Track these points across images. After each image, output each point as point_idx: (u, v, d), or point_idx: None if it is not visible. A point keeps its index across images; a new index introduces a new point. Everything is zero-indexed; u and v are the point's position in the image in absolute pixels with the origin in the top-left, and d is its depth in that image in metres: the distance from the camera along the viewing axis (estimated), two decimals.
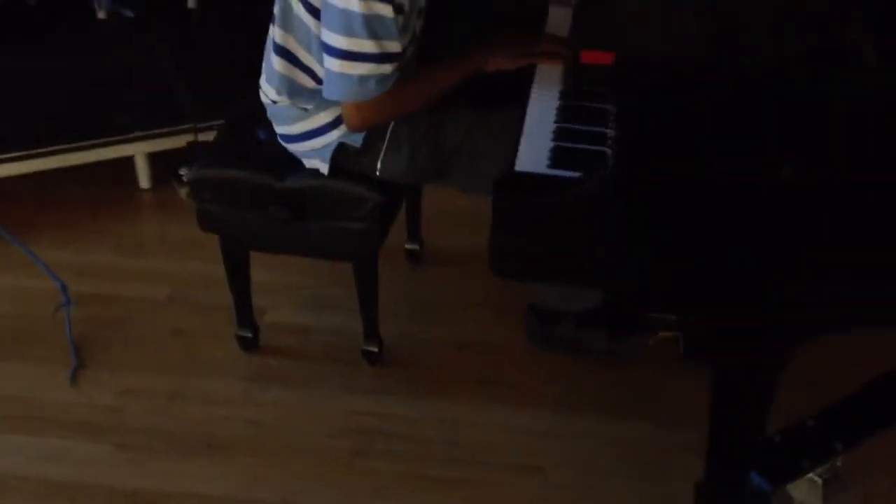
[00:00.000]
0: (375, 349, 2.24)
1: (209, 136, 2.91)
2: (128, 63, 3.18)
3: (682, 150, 1.41)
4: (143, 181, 2.97)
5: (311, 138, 2.00)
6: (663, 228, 1.38)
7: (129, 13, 3.05)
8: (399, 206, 2.23)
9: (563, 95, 1.79)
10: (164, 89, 3.00)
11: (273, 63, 1.96)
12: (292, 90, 1.96)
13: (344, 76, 1.77)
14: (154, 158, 2.94)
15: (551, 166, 1.58)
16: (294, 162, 2.06)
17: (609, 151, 1.59)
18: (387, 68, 1.77)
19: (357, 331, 2.23)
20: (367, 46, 1.74)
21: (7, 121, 2.81)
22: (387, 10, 1.73)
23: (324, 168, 2.02)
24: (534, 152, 1.62)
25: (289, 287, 2.50)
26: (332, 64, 1.78)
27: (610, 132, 1.65)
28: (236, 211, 2.08)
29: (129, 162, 2.93)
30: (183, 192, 2.91)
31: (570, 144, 1.63)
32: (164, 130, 2.88)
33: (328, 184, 2.02)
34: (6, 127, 2.80)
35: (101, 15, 3.51)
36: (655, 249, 1.40)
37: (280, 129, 2.05)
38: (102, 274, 2.59)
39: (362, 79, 1.77)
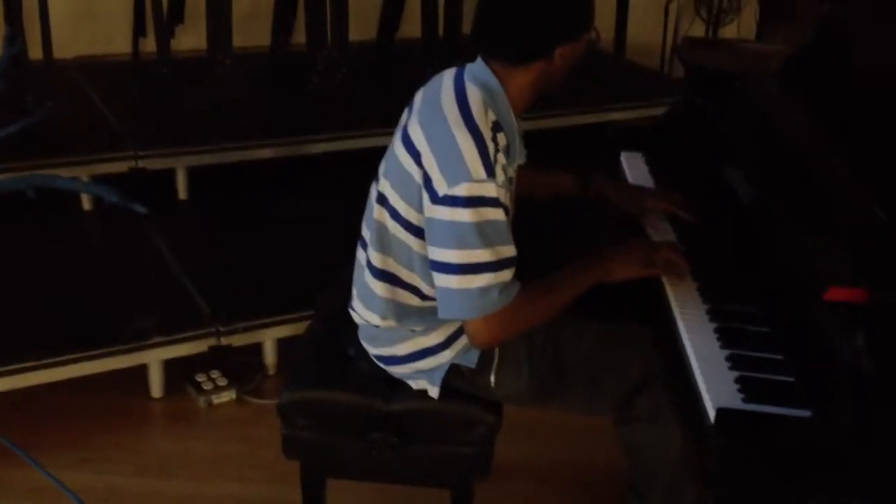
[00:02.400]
0: None
1: (231, 340, 2.74)
2: (131, 260, 3.00)
3: None
4: (156, 390, 2.71)
5: (419, 359, 1.87)
6: None
7: (140, 209, 2.88)
8: None
9: (714, 316, 1.72)
10: (178, 290, 2.82)
11: (373, 288, 1.84)
12: (399, 313, 1.84)
13: (464, 291, 1.67)
14: (166, 365, 2.71)
15: (746, 400, 1.50)
16: (395, 382, 1.91)
17: (793, 381, 1.53)
18: (506, 275, 1.68)
19: None
20: (483, 256, 1.65)
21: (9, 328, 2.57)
22: (498, 214, 1.66)
23: (433, 391, 1.87)
24: (718, 384, 1.54)
25: None
26: (449, 281, 1.68)
27: (778, 357, 1.59)
28: (334, 437, 1.90)
29: (139, 368, 2.69)
30: (202, 401, 2.69)
31: (752, 374, 1.56)
32: (184, 335, 2.67)
33: (440, 406, 1.88)
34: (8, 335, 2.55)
35: (86, 206, 3.34)
36: None
37: (380, 351, 1.91)
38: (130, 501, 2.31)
39: (483, 291, 1.67)
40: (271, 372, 2.85)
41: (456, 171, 1.65)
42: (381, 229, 1.81)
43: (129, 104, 3.67)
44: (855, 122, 1.79)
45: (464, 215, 1.64)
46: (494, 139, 1.69)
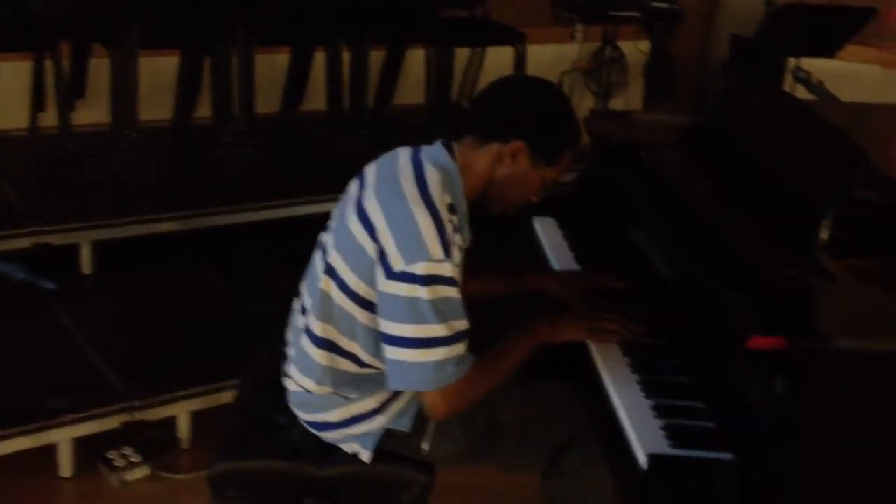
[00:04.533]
0: None
1: (145, 415, 2.69)
2: (37, 338, 2.92)
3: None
4: (66, 469, 2.62)
5: (352, 425, 1.89)
6: None
7: (49, 285, 2.82)
8: None
9: (637, 369, 1.81)
10: (87, 366, 2.76)
11: (311, 354, 1.86)
12: (336, 380, 1.86)
13: (419, 365, 1.71)
14: (76, 443, 2.63)
15: (674, 446, 1.58)
16: (327, 447, 1.92)
17: (716, 427, 1.62)
18: (460, 348, 1.73)
19: None
20: (439, 331, 1.70)
21: None
22: (453, 292, 1.71)
23: (365, 455, 1.89)
24: (646, 432, 1.62)
25: None
26: (403, 354, 1.71)
27: (699, 405, 1.68)
28: None
29: (47, 448, 2.60)
30: (115, 479, 2.62)
31: (677, 421, 1.64)
32: (95, 412, 2.60)
33: (372, 469, 1.89)
34: None
35: None
36: None
37: (312, 417, 1.92)
38: None
39: (438, 364, 1.71)
40: (185, 446, 2.80)
41: (414, 249, 1.68)
42: (325, 299, 1.83)
43: (31, 179, 3.60)
44: (749, 190, 1.93)
45: (421, 293, 1.67)
46: (450, 220, 1.74)
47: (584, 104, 4.97)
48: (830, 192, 1.63)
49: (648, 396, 1.72)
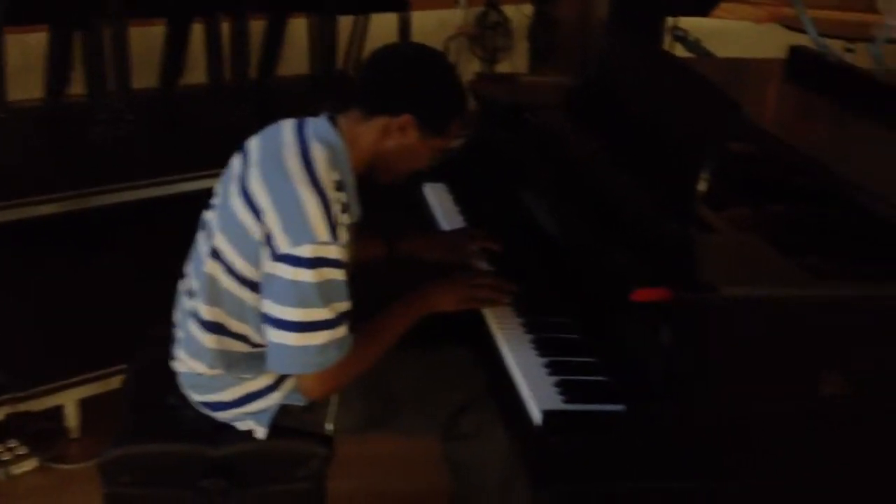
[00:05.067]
0: None
1: (30, 406, 2.59)
2: None
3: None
4: None
5: (247, 403, 1.85)
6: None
7: None
8: None
9: (530, 328, 1.82)
10: None
11: (200, 339, 1.81)
12: (228, 362, 1.82)
13: (302, 349, 1.68)
14: None
15: (567, 401, 1.60)
16: (221, 426, 1.88)
17: (608, 380, 1.65)
18: (342, 330, 1.71)
19: None
20: (323, 314, 1.67)
21: None
22: (338, 274, 1.68)
23: (260, 432, 1.85)
24: (540, 390, 1.63)
25: None
26: (286, 338, 1.68)
27: (592, 360, 1.71)
28: (163, 490, 1.83)
29: None
30: (1, 473, 2.52)
31: (570, 377, 1.66)
32: None
33: (268, 445, 1.86)
34: None
35: None
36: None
37: (205, 398, 1.87)
38: None
39: (321, 348, 1.69)
40: (75, 435, 2.71)
41: (300, 231, 1.64)
42: (212, 282, 1.78)
43: None
44: (632, 147, 1.96)
45: (306, 276, 1.64)
46: (337, 199, 1.70)
47: (470, 69, 4.96)
48: (707, 147, 1.66)
49: (542, 354, 1.74)
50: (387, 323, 1.84)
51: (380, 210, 2.16)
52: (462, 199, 2.41)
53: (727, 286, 1.43)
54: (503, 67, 4.99)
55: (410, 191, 2.53)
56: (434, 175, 2.53)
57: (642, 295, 1.44)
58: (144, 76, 4.01)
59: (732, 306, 1.42)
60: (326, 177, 1.70)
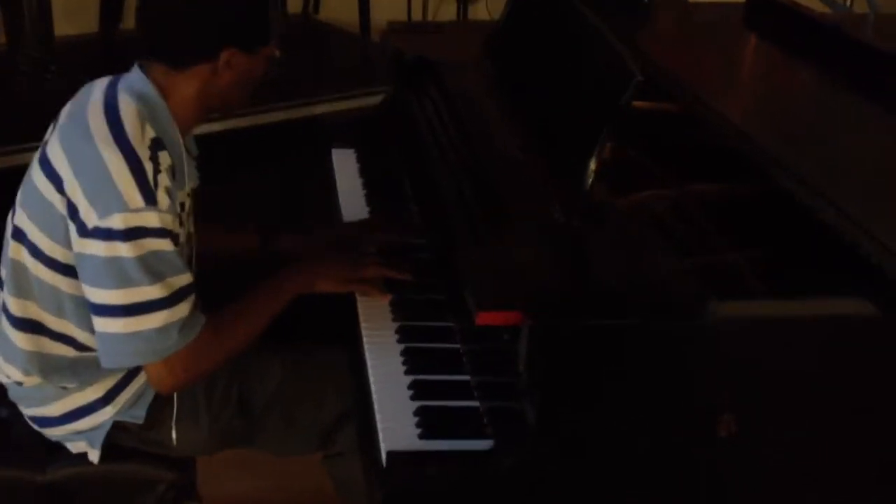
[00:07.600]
0: None
1: None
2: None
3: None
4: None
5: (75, 420, 1.59)
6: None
7: None
8: None
9: (404, 336, 1.54)
10: None
11: (12, 338, 1.55)
12: (45, 368, 1.55)
13: (135, 335, 1.42)
14: None
15: (423, 436, 1.33)
16: (53, 446, 1.62)
17: (479, 406, 1.37)
18: (184, 308, 1.44)
19: None
20: (153, 292, 1.41)
21: None
22: (164, 244, 1.42)
23: (93, 454, 1.59)
24: (396, 420, 1.36)
25: None
26: (114, 325, 1.42)
27: (465, 378, 1.43)
28: None
29: None
30: None
31: (434, 403, 1.38)
32: None
33: (104, 469, 1.60)
34: None
35: None
36: None
37: (32, 411, 1.62)
38: None
39: (160, 332, 1.42)
40: None
41: (107, 199, 1.39)
42: (18, 269, 1.52)
43: None
44: (537, 115, 1.64)
45: (122, 249, 1.38)
46: (154, 159, 1.43)
47: (443, 11, 4.63)
48: (603, 117, 1.35)
49: (409, 371, 1.47)
50: (255, 302, 1.57)
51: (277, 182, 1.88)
52: (367, 170, 2.11)
53: (592, 310, 1.13)
54: (479, 10, 4.64)
55: (319, 156, 2.24)
56: (344, 140, 2.23)
57: (487, 318, 1.14)
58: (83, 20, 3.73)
59: (597, 333, 1.13)
60: (137, 134, 1.43)
